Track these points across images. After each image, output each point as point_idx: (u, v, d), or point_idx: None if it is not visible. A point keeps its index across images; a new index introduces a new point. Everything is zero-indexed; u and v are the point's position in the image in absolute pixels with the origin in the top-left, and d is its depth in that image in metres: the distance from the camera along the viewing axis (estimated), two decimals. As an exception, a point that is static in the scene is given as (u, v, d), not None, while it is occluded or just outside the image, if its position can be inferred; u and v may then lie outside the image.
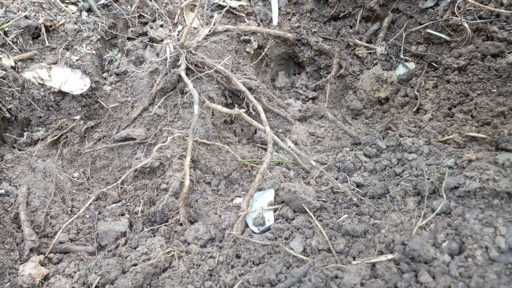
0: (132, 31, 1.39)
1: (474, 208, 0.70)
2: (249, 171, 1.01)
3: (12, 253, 0.81)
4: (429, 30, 1.29)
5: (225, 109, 1.00)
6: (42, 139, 1.08)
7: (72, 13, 1.27)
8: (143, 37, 1.38)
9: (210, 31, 1.29)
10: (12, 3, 1.21)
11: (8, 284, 0.76)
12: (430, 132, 1.04)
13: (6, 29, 1.13)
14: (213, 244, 0.78)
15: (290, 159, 0.98)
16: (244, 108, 1.09)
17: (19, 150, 1.04)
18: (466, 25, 1.18)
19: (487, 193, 0.70)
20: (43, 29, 1.20)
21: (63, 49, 1.20)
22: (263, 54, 1.39)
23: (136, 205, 0.93)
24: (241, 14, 1.43)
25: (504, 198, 0.68)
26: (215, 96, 1.13)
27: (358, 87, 1.32)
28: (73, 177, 1.05)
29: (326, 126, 1.26)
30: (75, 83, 1.13)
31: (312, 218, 0.77)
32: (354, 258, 0.69)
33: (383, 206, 0.81)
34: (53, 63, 1.15)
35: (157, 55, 1.22)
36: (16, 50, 1.13)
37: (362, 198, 0.82)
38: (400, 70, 1.32)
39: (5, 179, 0.95)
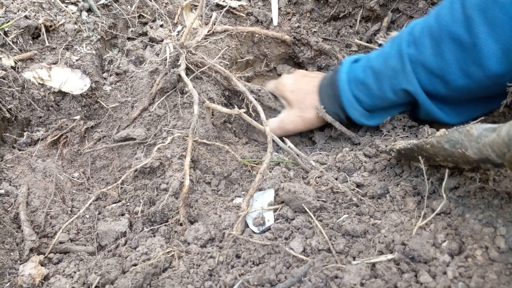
0: (132, 31, 1.39)
1: (474, 208, 0.70)
2: (249, 171, 1.01)
3: (12, 253, 0.81)
4: (429, 30, 1.29)
5: (225, 109, 1.00)
6: (42, 139, 1.08)
7: (72, 13, 1.27)
8: (143, 37, 1.38)
9: (209, 31, 1.29)
10: (12, 3, 1.21)
11: (8, 284, 0.76)
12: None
13: (6, 29, 1.13)
14: (213, 244, 0.77)
15: (290, 159, 0.98)
16: (244, 108, 1.09)
17: (19, 150, 1.04)
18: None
19: (487, 193, 0.70)
20: (43, 29, 1.20)
21: (63, 49, 1.20)
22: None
23: (136, 205, 0.93)
24: (241, 14, 1.43)
25: (504, 198, 0.68)
26: (215, 96, 1.13)
27: None
28: (73, 177, 1.05)
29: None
30: (75, 83, 1.13)
31: (312, 218, 0.77)
32: (354, 258, 0.69)
33: (383, 206, 0.81)
34: (53, 63, 1.15)
35: (157, 55, 1.22)
36: (16, 50, 1.13)
37: (362, 198, 0.82)
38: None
39: (5, 179, 0.95)
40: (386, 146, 0.90)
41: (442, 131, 0.66)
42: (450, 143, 0.62)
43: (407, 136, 1.05)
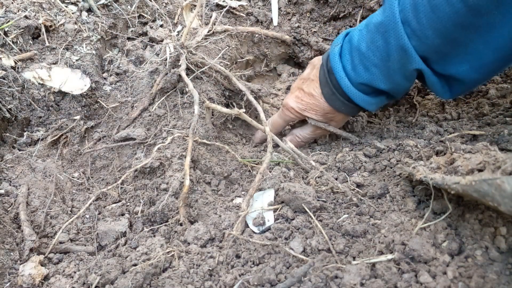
0: (132, 31, 1.39)
1: (474, 208, 0.70)
2: (249, 171, 1.01)
3: (12, 253, 0.81)
4: (429, 30, 1.28)
5: (225, 109, 1.00)
6: (42, 139, 1.08)
7: (72, 13, 1.27)
8: (143, 37, 1.38)
9: (209, 31, 1.29)
10: (12, 3, 1.21)
11: (8, 284, 0.76)
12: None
13: (6, 29, 1.13)
14: (213, 244, 0.77)
15: (290, 159, 0.98)
16: (242, 107, 1.09)
17: (19, 150, 1.04)
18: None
19: (487, 193, 0.70)
20: (43, 29, 1.20)
21: (63, 49, 1.20)
22: None
23: (136, 205, 0.93)
24: (241, 14, 1.43)
25: (504, 198, 0.68)
26: (215, 96, 1.13)
27: None
28: (73, 177, 1.05)
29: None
30: (75, 83, 1.13)
31: (312, 218, 0.77)
32: (354, 258, 0.69)
33: (383, 206, 0.81)
34: (53, 63, 1.15)
35: (157, 55, 1.22)
36: (16, 50, 1.13)
37: (362, 198, 0.82)
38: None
39: (5, 179, 0.95)
40: (406, 162, 0.86)
41: (468, 179, 0.57)
42: (478, 193, 0.55)
43: (410, 136, 1.05)
